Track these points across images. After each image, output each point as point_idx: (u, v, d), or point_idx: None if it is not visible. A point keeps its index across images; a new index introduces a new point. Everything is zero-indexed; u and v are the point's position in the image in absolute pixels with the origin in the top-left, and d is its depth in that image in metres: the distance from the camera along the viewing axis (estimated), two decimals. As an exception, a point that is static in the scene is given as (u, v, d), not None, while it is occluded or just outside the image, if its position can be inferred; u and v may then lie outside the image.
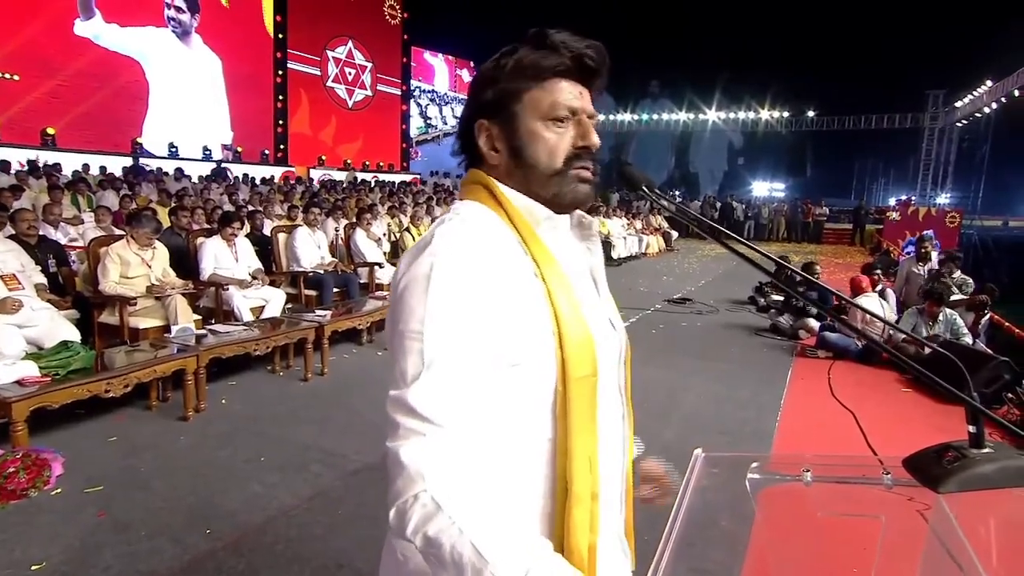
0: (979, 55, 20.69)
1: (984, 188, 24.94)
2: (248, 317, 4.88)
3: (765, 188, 34.74)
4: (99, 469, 3.03)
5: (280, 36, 18.61)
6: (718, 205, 22.38)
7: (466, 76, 28.57)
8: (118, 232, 5.51)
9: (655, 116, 30.25)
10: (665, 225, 17.19)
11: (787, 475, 1.03)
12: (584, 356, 0.76)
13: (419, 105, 26.32)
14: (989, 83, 18.32)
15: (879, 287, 6.43)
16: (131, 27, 14.80)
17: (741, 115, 28.97)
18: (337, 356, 5.06)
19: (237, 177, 14.57)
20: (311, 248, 6.10)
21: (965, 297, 6.13)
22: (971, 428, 0.92)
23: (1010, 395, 4.20)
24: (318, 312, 4.98)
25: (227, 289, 4.97)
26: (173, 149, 15.25)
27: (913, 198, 22.49)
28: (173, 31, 15.96)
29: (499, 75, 0.81)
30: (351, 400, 4.17)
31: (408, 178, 20.75)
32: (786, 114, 27.77)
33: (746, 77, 28.90)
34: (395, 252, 7.82)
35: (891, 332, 5.78)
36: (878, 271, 6.75)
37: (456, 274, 0.71)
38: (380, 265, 6.73)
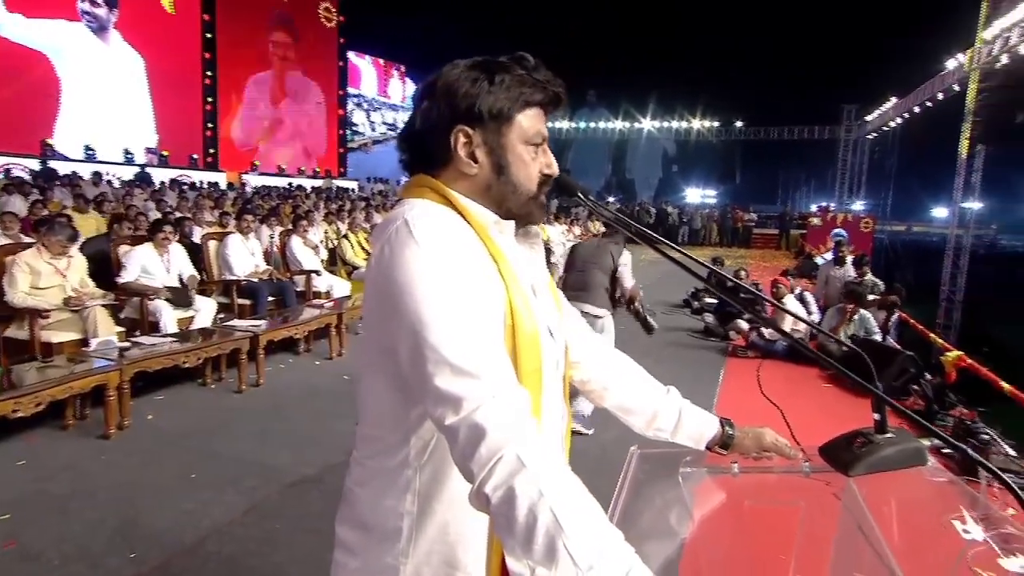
0: (885, 73, 22.34)
1: (892, 196, 26.83)
2: (173, 328, 4.65)
3: (698, 195, 36.10)
4: (6, 495, 2.81)
5: (209, 36, 17.88)
6: (653, 211, 23.09)
7: (398, 80, 27.83)
8: (27, 240, 5.14)
9: (592, 124, 30.90)
10: (602, 230, 17.58)
11: (717, 468, 1.08)
12: (533, 351, 0.80)
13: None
14: (894, 99, 19.75)
15: (796, 290, 6.81)
16: (38, 19, 13.84)
17: (674, 124, 30.02)
18: (273, 366, 4.90)
19: (163, 182, 13.87)
20: (244, 256, 5.89)
21: (877, 297, 6.57)
22: (876, 416, 1.00)
23: (915, 387, 4.53)
24: (252, 321, 4.80)
25: (153, 299, 4.72)
26: (90, 151, 14.37)
27: (832, 205, 23.87)
28: (88, 25, 15.08)
29: (493, 89, 0.83)
30: (288, 411, 4.04)
31: (348, 184, 20.33)
32: (716, 124, 28.99)
33: (679, 88, 30.02)
34: (332, 259, 7.65)
35: (813, 331, 6.11)
36: (791, 275, 7.16)
37: (449, 255, 0.75)
38: (318, 273, 6.57)
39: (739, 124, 28.45)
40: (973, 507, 0.86)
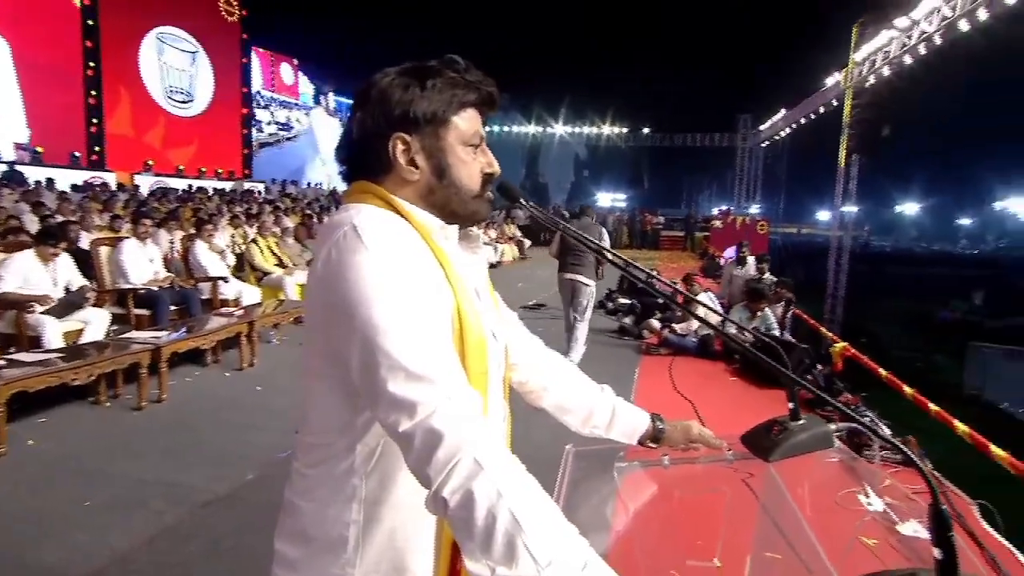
0: (776, 86, 24.16)
1: (784, 200, 29.03)
2: (59, 343, 4.25)
3: (608, 198, 37.35)
4: None
5: (90, 23, 16.37)
6: (566, 214, 23.64)
7: (291, 73, 25.95)
8: None
9: (506, 128, 31.22)
10: (519, 234, 17.83)
11: (648, 462, 1.14)
12: (480, 355, 0.82)
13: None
14: (783, 111, 21.39)
15: (699, 292, 7.26)
16: None
17: (586, 130, 30.90)
18: (178, 380, 4.58)
19: (38, 181, 12.59)
20: (142, 262, 5.47)
21: (774, 293, 7.08)
22: (790, 404, 1.09)
23: (809, 376, 4.93)
24: (153, 333, 4.47)
25: (32, 310, 4.28)
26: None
27: (732, 208, 25.48)
28: (-59, 7, 13.43)
29: (426, 94, 0.83)
30: (197, 426, 3.80)
31: (257, 186, 19.33)
32: (625, 130, 30.12)
33: (590, 94, 30.98)
34: (240, 265, 7.26)
35: (722, 327, 6.49)
36: (695, 276, 7.66)
37: (398, 260, 0.74)
38: (225, 279, 6.21)
39: (646, 131, 29.72)
40: (871, 481, 0.96)
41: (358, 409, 0.78)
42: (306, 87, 27.18)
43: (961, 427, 2.89)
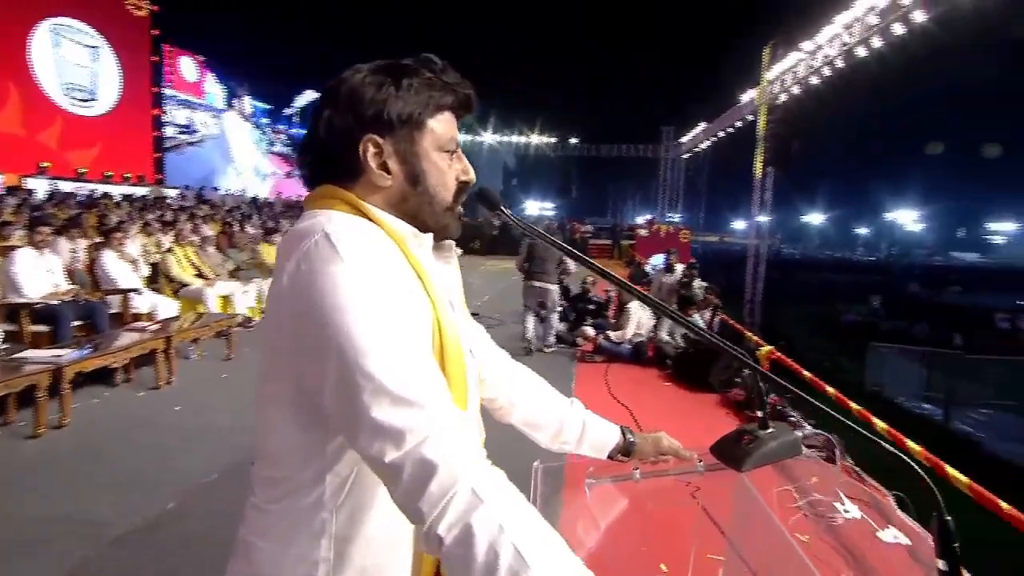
0: (697, 100, 25.39)
1: (705, 209, 30.44)
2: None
3: (537, 207, 37.88)
4: None
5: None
6: (497, 223, 23.80)
7: (195, 70, 24.40)
8: None
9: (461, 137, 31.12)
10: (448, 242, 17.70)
11: (619, 476, 1.11)
12: (460, 371, 0.77)
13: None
14: (703, 124, 22.44)
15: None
16: None
17: (515, 139, 31.20)
18: (83, 402, 4.17)
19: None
20: (39, 274, 4.97)
21: (702, 299, 7.35)
22: (759, 413, 1.08)
23: (739, 379, 5.13)
24: (53, 351, 4.07)
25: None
26: None
27: (655, 217, 26.44)
28: None
29: (401, 94, 0.77)
30: (106, 452, 3.47)
31: (170, 192, 18.17)
32: (553, 140, 30.67)
33: (519, 103, 31.38)
34: (154, 276, 6.77)
35: (652, 333, 6.64)
36: (639, 284, 7.81)
37: (377, 273, 0.68)
38: (137, 291, 5.77)
39: (574, 140, 30.39)
40: (842, 486, 0.97)
41: (328, 435, 0.71)
42: (213, 86, 25.73)
43: (880, 424, 3.08)
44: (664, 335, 6.40)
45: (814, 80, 11.09)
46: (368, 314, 0.65)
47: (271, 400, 0.74)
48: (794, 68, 11.89)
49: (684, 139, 26.07)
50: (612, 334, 6.63)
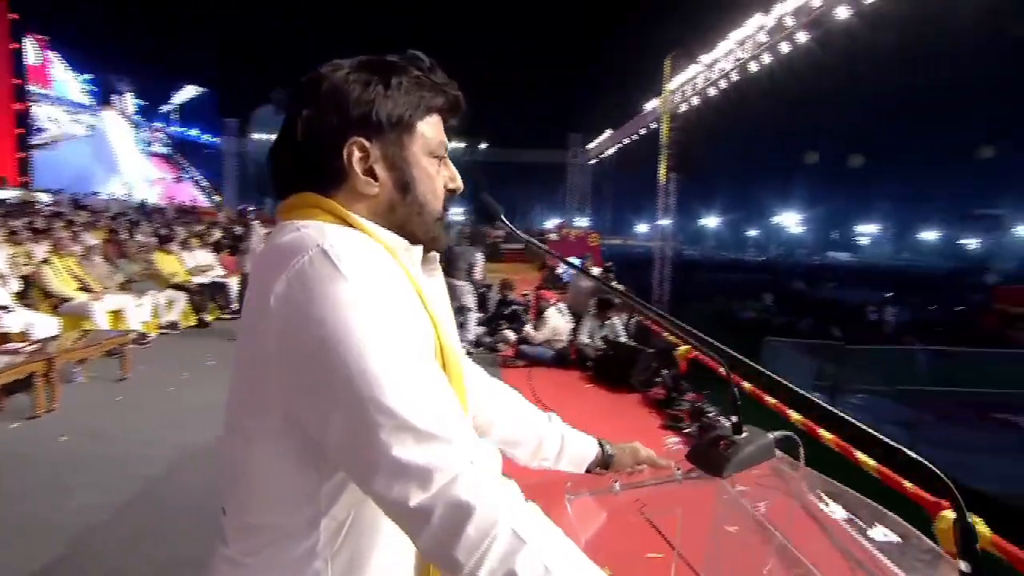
0: (603, 107, 26.30)
1: (612, 214, 31.59)
2: None
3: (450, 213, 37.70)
4: None
5: None
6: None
7: (34, 52, 21.78)
8: None
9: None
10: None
11: (599, 490, 1.08)
12: (462, 392, 0.72)
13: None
14: (609, 131, 23.27)
15: (554, 301, 7.53)
16: None
17: (424, 144, 30.89)
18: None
19: None
20: None
21: (620, 302, 7.56)
22: (733, 418, 1.08)
23: (658, 379, 5.31)
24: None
25: None
26: None
27: (565, 222, 27.06)
28: None
29: (390, 94, 0.70)
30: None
31: (43, 196, 16.36)
32: (463, 144, 30.63)
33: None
34: (26, 292, 6.03)
35: (571, 336, 6.74)
36: (555, 288, 7.95)
37: (384, 292, 0.61)
38: (6, 308, 5.11)
39: (484, 145, 30.52)
40: (817, 485, 0.99)
41: (324, 475, 0.63)
42: (63, 74, 23.27)
43: (795, 415, 3.27)
44: (584, 338, 6.51)
45: (712, 91, 11.79)
46: (380, 340, 0.58)
47: (249, 435, 0.64)
48: (693, 79, 12.58)
49: (591, 145, 26.92)
50: (529, 332, 6.66)
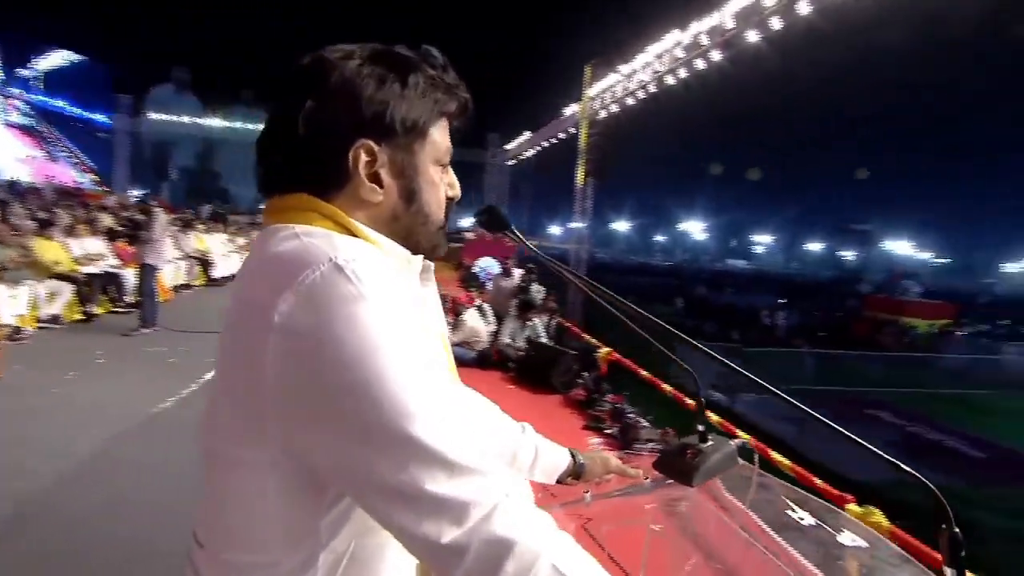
0: (522, 109, 26.53)
1: (528, 216, 32.02)
2: None
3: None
4: None
5: None
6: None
7: None
8: None
9: (251, 126, 28.50)
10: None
11: (569, 500, 1.06)
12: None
13: None
14: (528, 133, 23.52)
15: (477, 302, 7.51)
16: None
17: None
18: None
19: None
20: None
21: (541, 303, 7.66)
22: (699, 427, 1.10)
23: (580, 380, 5.42)
24: None
25: None
26: None
27: (481, 222, 27.05)
28: None
29: (407, 94, 0.64)
30: None
31: None
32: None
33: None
34: None
35: (492, 338, 6.75)
36: (473, 288, 7.92)
37: (405, 312, 0.56)
38: None
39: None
40: (783, 493, 1.02)
41: (323, 507, 0.57)
42: None
43: (714, 417, 3.45)
44: (506, 339, 6.53)
45: (630, 101, 12.21)
46: (407, 367, 0.53)
47: (244, 467, 0.57)
48: (612, 88, 12.97)
49: (510, 146, 27.10)
50: (453, 338, 6.62)
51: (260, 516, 0.58)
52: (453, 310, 7.33)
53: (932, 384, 14.59)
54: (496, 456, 0.58)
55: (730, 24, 8.05)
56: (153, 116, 26.89)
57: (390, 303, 0.55)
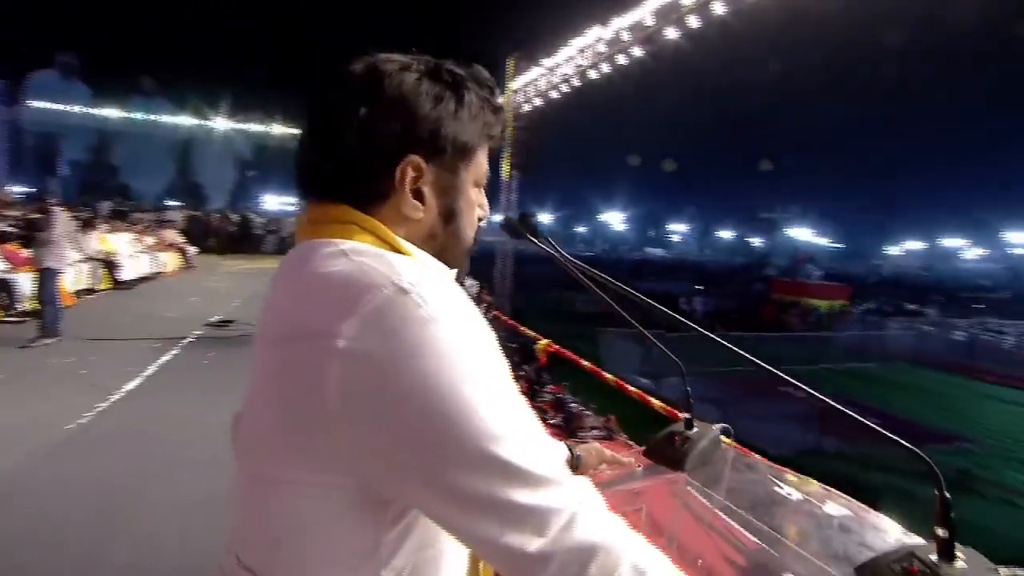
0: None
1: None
2: None
3: (278, 202, 35.17)
4: None
5: None
6: (233, 218, 21.69)
7: None
8: None
9: (152, 117, 26.59)
10: (180, 239, 15.45)
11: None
12: None
13: None
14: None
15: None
16: None
17: (253, 127, 28.38)
18: None
19: None
20: None
21: (476, 296, 7.67)
22: (686, 415, 1.16)
23: (521, 372, 5.48)
24: None
25: None
26: None
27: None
28: None
29: (461, 114, 0.65)
30: None
31: None
32: (298, 131, 28.73)
33: (259, 88, 28.66)
34: None
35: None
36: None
37: (477, 330, 0.56)
38: None
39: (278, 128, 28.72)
40: (768, 472, 1.10)
41: (386, 525, 0.57)
42: None
43: (657, 403, 3.57)
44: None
45: (554, 94, 12.38)
46: (486, 386, 0.53)
47: (303, 491, 0.56)
48: (536, 81, 13.10)
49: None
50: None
51: (322, 538, 0.56)
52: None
53: (831, 360, 15.90)
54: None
55: (650, 21, 8.32)
56: (36, 104, 24.53)
57: (462, 322, 0.54)
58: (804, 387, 0.84)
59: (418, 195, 0.65)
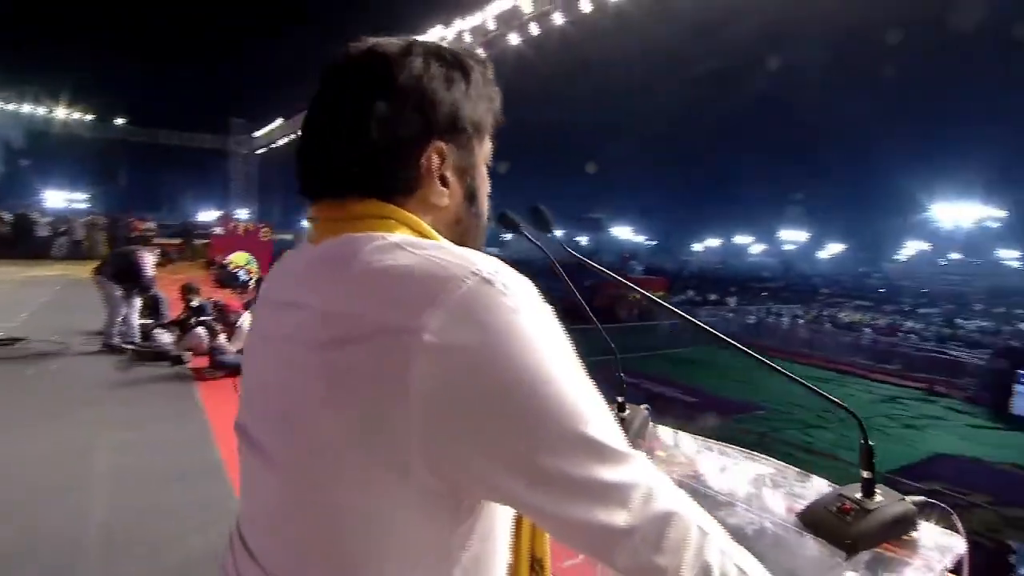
0: (273, 95, 24.43)
1: (280, 208, 29.83)
2: None
3: (62, 198, 30.14)
4: None
5: None
6: (5, 217, 17.99)
7: None
8: None
9: None
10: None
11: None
12: None
13: None
14: (281, 120, 21.88)
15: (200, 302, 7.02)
16: None
17: (26, 109, 23.98)
18: None
19: None
20: None
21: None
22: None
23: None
24: None
25: None
26: None
27: (225, 214, 24.42)
28: None
29: (471, 93, 0.65)
30: None
31: None
32: (90, 117, 24.75)
33: (36, 65, 24.25)
34: None
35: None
36: (235, 289, 7.37)
37: (550, 315, 0.55)
38: None
39: (121, 121, 25.27)
40: (697, 444, 1.20)
41: (457, 519, 0.56)
42: None
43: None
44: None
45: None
46: (570, 370, 0.53)
47: (371, 491, 0.53)
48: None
49: (259, 133, 24.87)
50: (223, 344, 6.00)
51: (395, 538, 0.54)
52: (223, 319, 6.61)
53: (658, 346, 17.81)
54: None
55: (492, 25, 8.57)
56: None
57: (541, 307, 0.55)
58: (784, 371, 0.93)
59: (443, 181, 0.64)
